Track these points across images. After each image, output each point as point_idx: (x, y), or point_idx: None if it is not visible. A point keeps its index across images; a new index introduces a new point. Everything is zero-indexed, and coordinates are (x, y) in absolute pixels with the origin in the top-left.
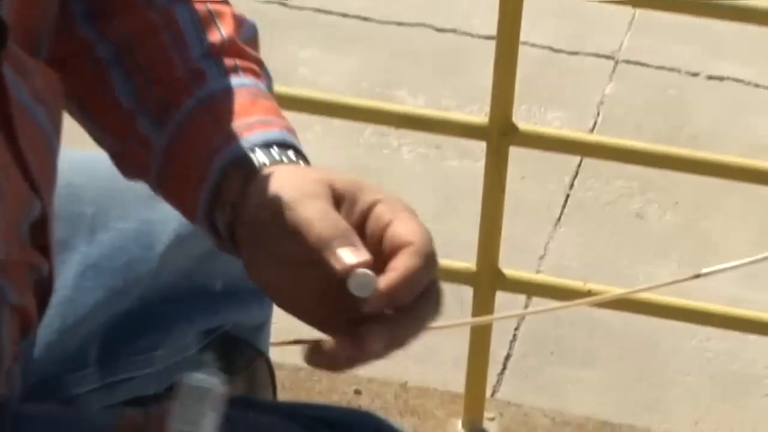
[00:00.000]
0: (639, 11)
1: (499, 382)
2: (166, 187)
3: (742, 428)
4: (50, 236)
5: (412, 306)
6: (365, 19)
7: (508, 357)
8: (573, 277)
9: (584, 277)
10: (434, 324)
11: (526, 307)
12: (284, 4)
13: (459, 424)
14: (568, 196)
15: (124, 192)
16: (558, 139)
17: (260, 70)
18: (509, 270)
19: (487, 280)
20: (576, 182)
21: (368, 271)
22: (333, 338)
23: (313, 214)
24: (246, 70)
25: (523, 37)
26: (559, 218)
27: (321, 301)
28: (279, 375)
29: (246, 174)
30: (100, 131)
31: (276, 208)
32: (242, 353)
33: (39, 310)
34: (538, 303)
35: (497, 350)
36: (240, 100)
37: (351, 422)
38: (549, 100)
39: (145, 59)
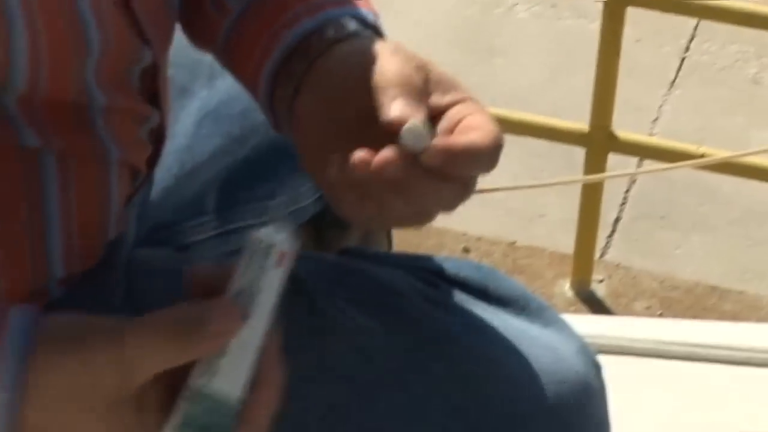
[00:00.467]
0: None
1: (608, 244)
2: (236, 51)
3: None
4: (162, 85)
5: (443, 181)
6: None
7: (617, 220)
8: (686, 140)
9: (697, 142)
10: (546, 181)
11: (638, 169)
12: None
13: (567, 284)
14: (683, 59)
15: None
16: (674, 1)
17: None
18: (622, 132)
19: (600, 141)
20: (692, 45)
21: (423, 124)
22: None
23: (393, 68)
24: None
25: None
26: (674, 81)
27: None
28: None
29: (334, 37)
30: None
31: (363, 60)
32: None
33: (152, 159)
34: (650, 166)
35: (607, 213)
36: None
37: (466, 275)
38: None
39: None
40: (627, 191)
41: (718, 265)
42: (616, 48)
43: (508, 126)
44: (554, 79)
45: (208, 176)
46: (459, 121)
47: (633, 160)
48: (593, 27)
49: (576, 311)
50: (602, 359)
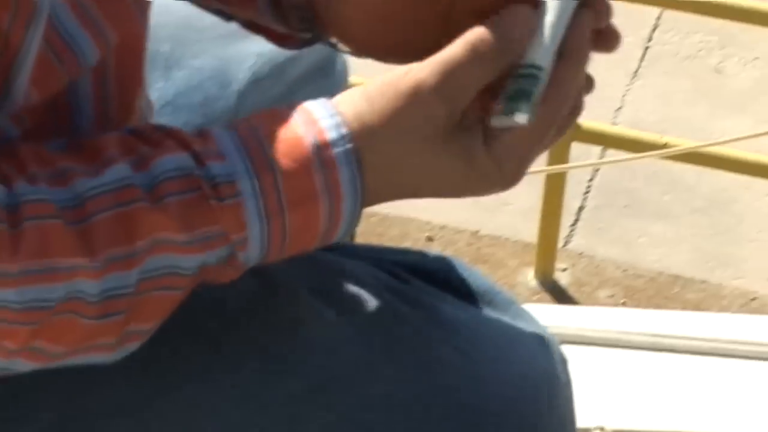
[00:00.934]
0: None
1: (571, 233)
2: None
3: None
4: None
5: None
6: None
7: (581, 208)
8: (649, 130)
9: (660, 131)
10: None
11: (602, 159)
12: None
13: (530, 273)
14: (646, 49)
15: (199, 31)
16: None
17: None
18: (585, 121)
19: None
20: (654, 35)
21: None
22: None
23: None
24: None
25: None
26: (636, 71)
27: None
28: None
29: None
30: None
31: None
32: None
33: None
34: (614, 155)
35: (570, 201)
36: None
37: (432, 267)
38: None
39: None
40: (590, 180)
41: (681, 254)
42: None
43: None
44: None
45: None
46: None
47: (597, 149)
48: None
49: (539, 300)
50: (566, 349)
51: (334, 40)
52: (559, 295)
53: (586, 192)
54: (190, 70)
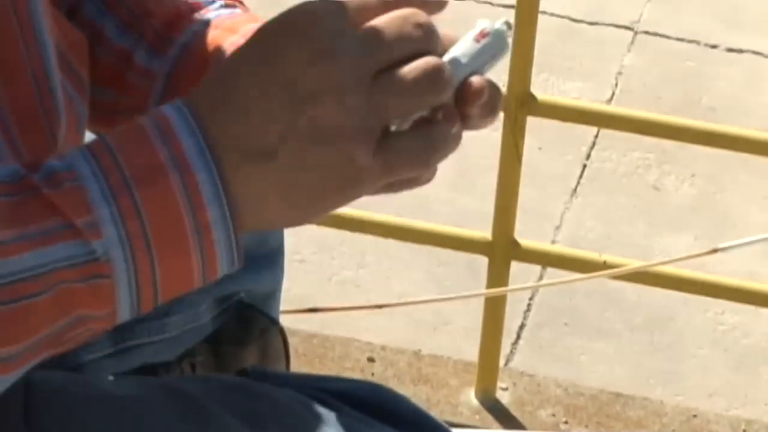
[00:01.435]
0: None
1: (512, 351)
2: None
3: (755, 401)
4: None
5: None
6: None
7: (522, 327)
8: (589, 248)
9: (600, 249)
10: (449, 295)
11: (541, 277)
12: None
13: (472, 393)
14: (584, 166)
15: None
16: (575, 110)
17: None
18: (525, 240)
19: (503, 251)
20: (593, 153)
21: None
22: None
23: None
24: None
25: (542, 7)
26: (576, 189)
27: None
28: (292, 342)
29: None
30: (93, 86)
31: None
32: (255, 322)
33: None
34: (554, 274)
35: (511, 320)
36: (246, 17)
37: (362, 395)
38: (567, 71)
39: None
40: (531, 298)
41: (622, 372)
42: (518, 156)
43: (412, 235)
44: (455, 190)
45: None
46: None
47: (537, 267)
48: (495, 135)
49: (481, 420)
50: None
51: None
52: (501, 415)
53: (527, 310)
54: None
